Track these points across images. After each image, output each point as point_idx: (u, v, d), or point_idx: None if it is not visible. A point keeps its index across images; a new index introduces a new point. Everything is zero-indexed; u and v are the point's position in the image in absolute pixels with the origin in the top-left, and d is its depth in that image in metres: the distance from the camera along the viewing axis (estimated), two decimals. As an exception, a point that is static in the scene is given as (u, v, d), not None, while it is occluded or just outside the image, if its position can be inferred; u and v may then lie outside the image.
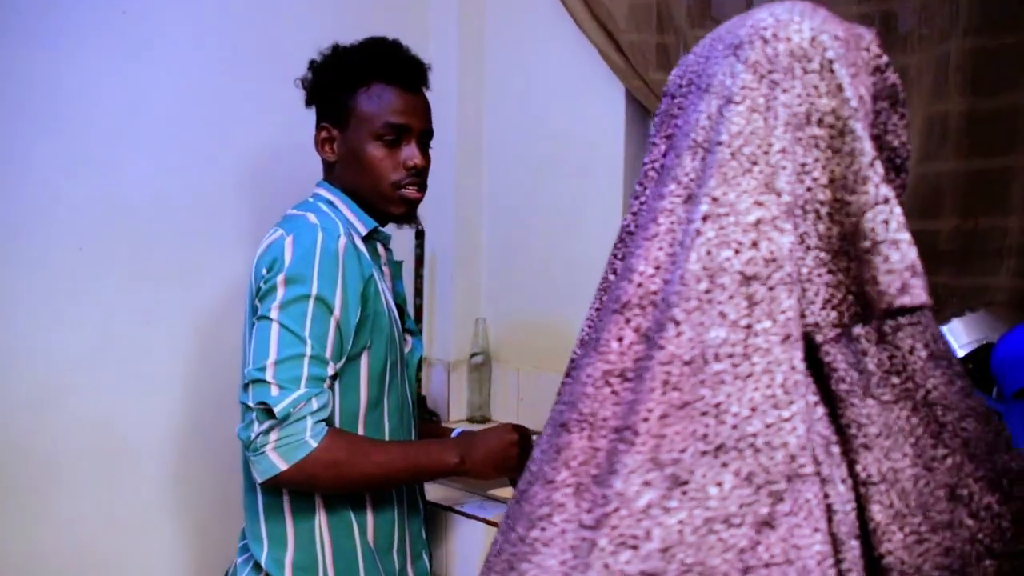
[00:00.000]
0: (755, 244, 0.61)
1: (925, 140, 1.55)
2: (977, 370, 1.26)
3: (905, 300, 0.60)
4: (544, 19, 2.27)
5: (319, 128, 1.50)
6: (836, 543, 0.59)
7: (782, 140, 0.63)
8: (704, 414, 0.58)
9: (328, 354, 1.31)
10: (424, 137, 1.51)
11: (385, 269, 1.52)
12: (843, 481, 0.60)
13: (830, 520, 0.59)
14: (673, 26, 1.99)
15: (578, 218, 2.24)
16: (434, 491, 1.77)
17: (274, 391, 1.27)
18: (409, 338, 1.57)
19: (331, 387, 1.34)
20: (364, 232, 1.46)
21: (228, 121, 1.97)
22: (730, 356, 0.59)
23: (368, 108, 1.45)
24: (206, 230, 1.93)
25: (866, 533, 0.60)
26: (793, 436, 0.58)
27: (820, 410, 0.62)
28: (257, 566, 1.41)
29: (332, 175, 1.51)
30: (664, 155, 0.71)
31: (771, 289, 0.60)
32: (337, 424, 1.38)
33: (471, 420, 2.42)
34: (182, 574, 1.92)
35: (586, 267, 2.20)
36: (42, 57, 1.71)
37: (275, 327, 1.30)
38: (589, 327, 0.74)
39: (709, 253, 0.61)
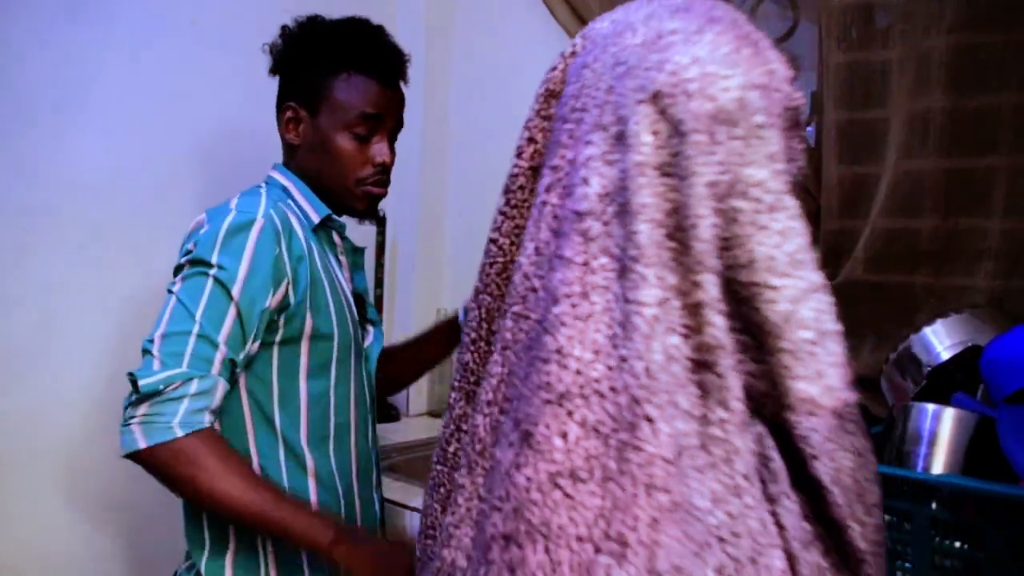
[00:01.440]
0: (699, 329, 0.57)
1: (907, 137, 1.53)
2: (961, 372, 1.25)
3: (830, 401, 0.58)
4: (514, 5, 2.22)
5: (285, 106, 1.42)
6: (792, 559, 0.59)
7: (705, 213, 0.57)
8: (689, 513, 0.55)
9: (221, 337, 1.23)
10: (394, 132, 1.45)
11: (342, 258, 1.45)
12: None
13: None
14: (648, 15, 1.94)
15: (546, 209, 2.20)
16: (396, 491, 1.72)
17: (155, 365, 1.20)
18: (370, 329, 1.51)
19: (231, 376, 1.25)
20: (316, 220, 1.40)
21: (184, 97, 1.90)
22: (687, 448, 0.56)
23: (344, 96, 1.39)
24: (157, 213, 1.85)
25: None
26: (754, 521, 0.57)
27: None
28: (199, 573, 1.34)
29: (292, 158, 1.44)
30: (547, 189, 0.66)
31: (720, 376, 0.57)
32: (277, 416, 1.32)
33: (432, 414, 2.37)
34: (131, 570, 1.85)
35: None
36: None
37: (172, 300, 1.24)
38: (475, 353, 0.71)
39: (665, 339, 0.56)
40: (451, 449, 0.71)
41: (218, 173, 1.91)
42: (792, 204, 0.59)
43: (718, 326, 0.57)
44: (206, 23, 1.93)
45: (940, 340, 1.28)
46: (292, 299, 1.30)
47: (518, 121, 2.48)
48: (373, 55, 1.41)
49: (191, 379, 1.20)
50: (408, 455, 2.01)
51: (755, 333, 0.58)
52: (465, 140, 2.35)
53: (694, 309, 0.57)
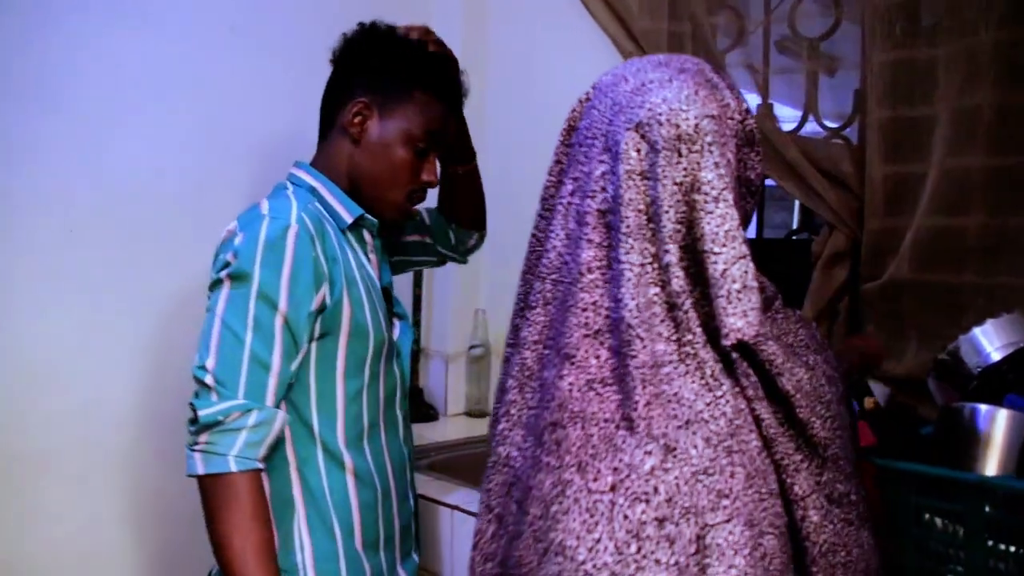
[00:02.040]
0: (668, 282, 0.81)
1: (954, 134, 1.51)
2: (1013, 373, 1.23)
3: (750, 332, 0.79)
4: (552, 5, 2.22)
5: (355, 100, 1.41)
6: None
7: (671, 203, 0.82)
8: (670, 401, 0.78)
9: (274, 356, 1.25)
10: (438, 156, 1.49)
11: (372, 256, 1.46)
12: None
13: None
14: (688, 13, 1.94)
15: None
16: (434, 488, 1.72)
17: (212, 396, 1.22)
18: (397, 323, 1.51)
19: (280, 398, 1.27)
20: (349, 220, 1.40)
21: (225, 103, 1.91)
22: (671, 361, 0.80)
23: (419, 110, 1.42)
24: (198, 215, 1.87)
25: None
26: (728, 407, 0.79)
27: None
28: None
29: (335, 155, 1.44)
30: (571, 194, 0.92)
31: (686, 312, 0.81)
32: (315, 418, 1.33)
33: (469, 414, 2.37)
34: (167, 569, 1.86)
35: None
36: (30, 32, 1.64)
37: (217, 324, 1.24)
38: (526, 307, 0.93)
39: (647, 290, 0.81)
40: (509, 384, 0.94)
41: (257, 175, 1.92)
42: (729, 197, 0.81)
43: (680, 278, 0.81)
44: (245, 29, 1.94)
45: (990, 341, 1.26)
46: (329, 300, 1.31)
47: (554, 121, 2.47)
48: (450, 83, 1.47)
49: (250, 411, 1.22)
50: (446, 454, 2.02)
51: (705, 285, 0.81)
52: (501, 139, 2.35)
53: (664, 269, 0.81)
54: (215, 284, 1.28)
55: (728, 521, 0.74)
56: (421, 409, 2.30)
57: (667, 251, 0.81)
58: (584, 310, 0.83)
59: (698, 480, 0.74)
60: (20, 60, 1.63)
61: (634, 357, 0.79)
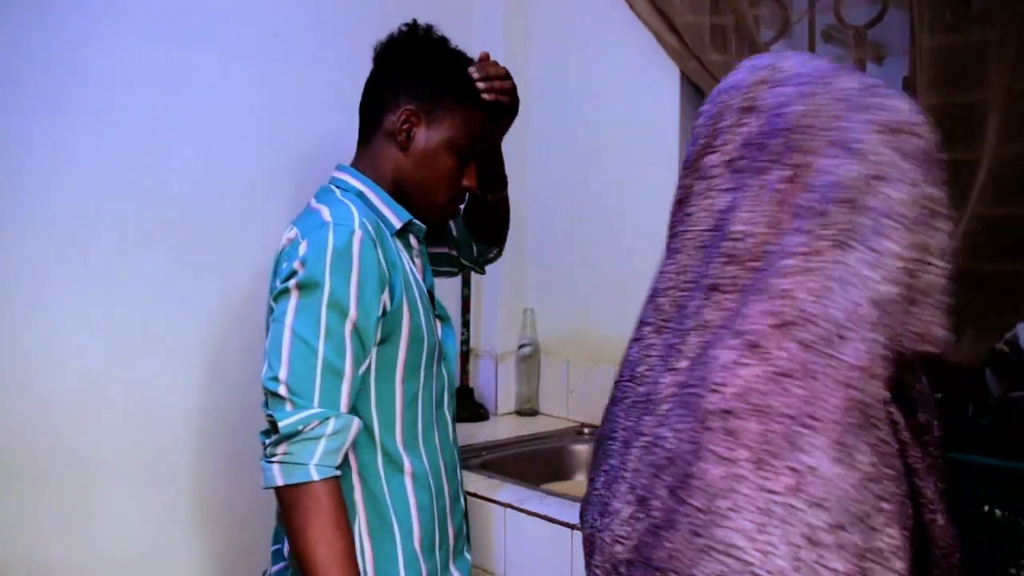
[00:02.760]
0: (878, 288, 0.77)
1: (1005, 119, 1.48)
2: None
3: (948, 346, 0.79)
4: (593, 2, 2.21)
5: (402, 108, 1.42)
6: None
7: (912, 213, 0.79)
8: (865, 406, 0.75)
9: (347, 362, 1.26)
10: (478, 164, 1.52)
11: (417, 261, 1.47)
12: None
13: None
14: (731, 6, 1.92)
15: (628, 205, 2.18)
16: (485, 487, 1.73)
17: (287, 406, 1.23)
18: (438, 324, 1.51)
19: (353, 404, 1.28)
20: (398, 226, 1.41)
21: (273, 109, 1.94)
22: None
23: (465, 122, 1.43)
24: (249, 222, 1.89)
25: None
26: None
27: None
28: None
29: (380, 159, 1.44)
30: (786, 181, 0.82)
31: (890, 317, 0.78)
32: (376, 422, 1.34)
33: (519, 413, 2.37)
34: (220, 571, 1.89)
35: (637, 254, 2.15)
36: (82, 44, 1.68)
37: (288, 335, 1.25)
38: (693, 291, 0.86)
39: (858, 292, 0.76)
40: (641, 369, 0.89)
41: (304, 180, 1.93)
42: (948, 212, 0.80)
43: (892, 285, 0.77)
44: (289, 36, 1.96)
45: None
46: (390, 305, 1.32)
47: (597, 118, 2.50)
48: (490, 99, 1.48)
49: (328, 419, 1.23)
50: (496, 453, 2.02)
51: (912, 297, 0.78)
52: (546, 139, 2.35)
53: (902, 271, 0.77)
54: (282, 293, 1.28)
55: (888, 526, 0.73)
56: (472, 409, 2.31)
57: (891, 257, 0.78)
58: (779, 299, 0.79)
59: (865, 486, 0.73)
60: (73, 75, 1.67)
61: (836, 358, 0.76)
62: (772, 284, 0.78)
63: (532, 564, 1.61)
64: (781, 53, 0.90)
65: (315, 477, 1.22)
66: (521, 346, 2.36)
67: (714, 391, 0.79)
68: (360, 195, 1.41)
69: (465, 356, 2.34)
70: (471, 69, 1.46)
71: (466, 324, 2.33)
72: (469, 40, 2.21)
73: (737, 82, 0.86)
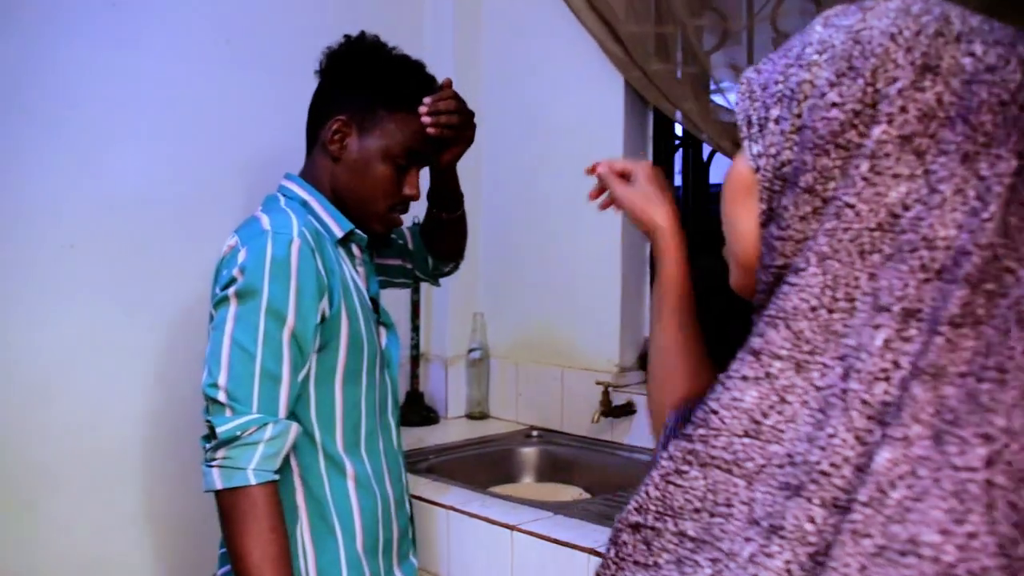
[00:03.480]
0: None
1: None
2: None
3: None
4: (541, 10, 2.25)
5: (333, 118, 1.43)
6: None
7: None
8: None
9: (283, 369, 1.28)
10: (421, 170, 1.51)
11: (360, 269, 1.49)
12: None
13: None
14: (672, 17, 1.96)
15: (576, 209, 2.21)
16: (430, 490, 1.75)
17: (226, 412, 1.25)
18: (383, 331, 1.53)
19: (292, 409, 1.30)
20: (340, 235, 1.43)
21: (219, 115, 1.94)
22: None
23: (398, 129, 1.43)
24: (196, 227, 1.90)
25: None
26: None
27: None
28: None
29: (318, 169, 1.46)
30: (1018, 174, 0.58)
31: None
32: (316, 428, 1.36)
33: (470, 416, 2.39)
34: (173, 576, 1.90)
35: (585, 259, 2.19)
36: (28, 49, 1.67)
37: (227, 342, 1.27)
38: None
39: None
40: (768, 422, 0.63)
41: (253, 186, 1.94)
42: None
43: None
44: (239, 42, 1.97)
45: None
46: (329, 312, 1.34)
47: (547, 125, 2.52)
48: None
49: (266, 424, 1.25)
50: (444, 456, 2.04)
51: None
52: (497, 145, 2.37)
53: None
54: (221, 301, 1.30)
55: None
56: (422, 413, 2.33)
57: None
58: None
59: None
60: (19, 80, 1.66)
61: None
62: None
63: (475, 566, 1.63)
64: None
65: (253, 481, 1.24)
66: (471, 350, 2.38)
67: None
68: (304, 204, 1.43)
69: (415, 360, 2.36)
70: (426, 100, 1.44)
71: (416, 329, 2.35)
72: (420, 49, 2.22)
73: (890, 29, 0.61)
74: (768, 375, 0.62)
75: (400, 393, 1.57)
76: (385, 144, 1.43)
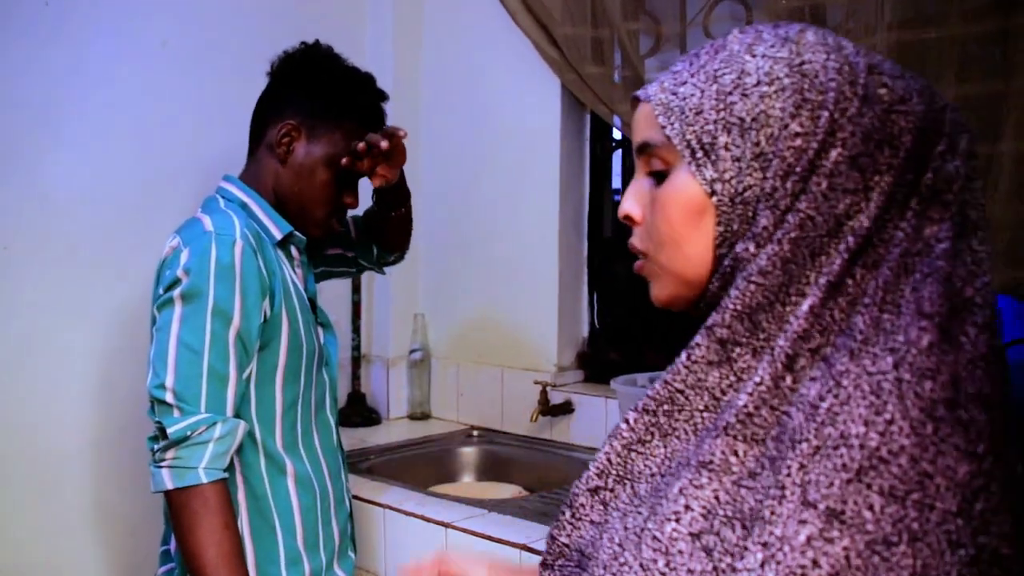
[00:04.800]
0: None
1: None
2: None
3: None
4: (481, 12, 2.27)
5: (282, 123, 1.45)
6: None
7: None
8: None
9: (231, 367, 1.29)
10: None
11: (298, 271, 1.50)
12: None
13: None
14: (607, 20, 1.99)
15: (515, 211, 2.24)
16: (369, 489, 1.76)
17: (175, 412, 1.26)
18: (321, 331, 1.54)
19: (236, 408, 1.32)
20: (279, 237, 1.44)
21: (160, 116, 1.93)
22: None
23: (343, 138, 1.45)
24: (134, 227, 1.88)
25: None
26: None
27: None
28: None
29: (262, 171, 1.47)
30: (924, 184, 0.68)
31: None
32: (257, 427, 1.37)
33: (411, 417, 2.40)
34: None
35: (525, 259, 2.22)
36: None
37: (173, 342, 1.28)
38: None
39: None
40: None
41: (192, 188, 1.92)
42: None
43: None
44: (177, 45, 1.96)
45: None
46: (270, 312, 1.36)
47: (486, 127, 2.54)
48: (377, 118, 1.50)
49: (215, 423, 1.27)
50: (385, 456, 2.05)
51: None
52: (436, 146, 2.39)
53: None
54: (166, 303, 1.30)
55: None
56: (364, 414, 2.34)
57: None
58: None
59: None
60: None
61: None
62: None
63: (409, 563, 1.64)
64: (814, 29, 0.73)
65: (204, 480, 1.26)
66: (412, 351, 2.39)
67: None
68: (243, 206, 1.44)
69: (356, 361, 2.36)
70: (370, 137, 1.43)
71: (357, 330, 2.35)
72: (361, 53, 2.23)
73: (833, 64, 0.68)
74: (729, 359, 0.70)
75: (342, 394, 1.58)
76: (330, 152, 1.45)
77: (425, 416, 2.40)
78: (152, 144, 1.92)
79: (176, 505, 1.27)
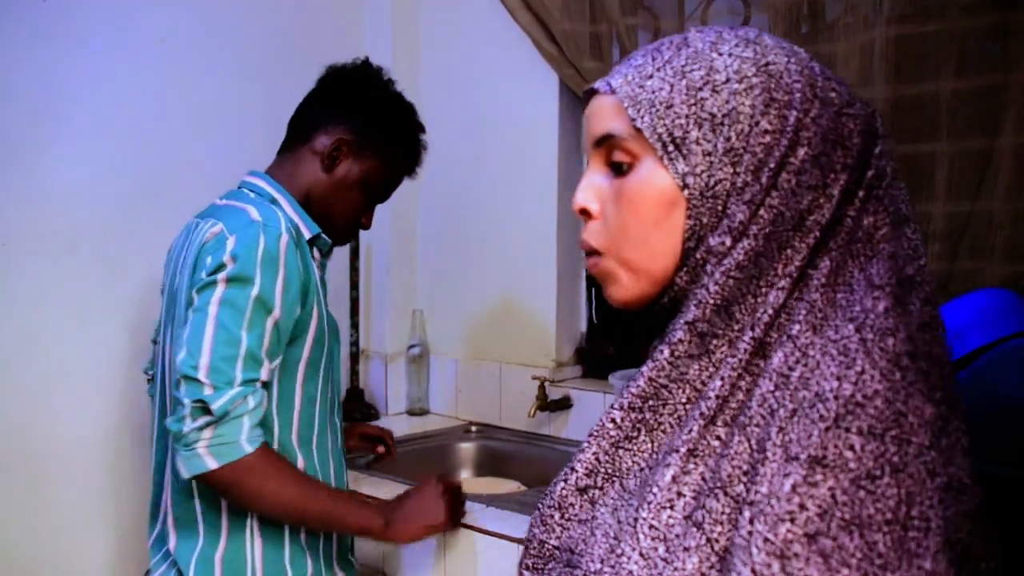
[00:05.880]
0: None
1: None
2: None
3: None
4: (479, 8, 2.27)
5: (338, 135, 1.49)
6: None
7: None
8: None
9: (263, 352, 1.30)
10: None
11: (317, 271, 1.51)
12: None
13: None
14: (606, 15, 1.99)
15: (513, 207, 2.24)
16: (368, 485, 1.75)
17: (207, 390, 1.25)
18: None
19: (266, 387, 1.32)
20: (309, 236, 1.46)
21: (154, 111, 1.93)
22: None
23: (386, 170, 1.54)
24: (132, 223, 1.88)
25: None
26: None
27: None
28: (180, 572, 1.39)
29: (300, 172, 1.50)
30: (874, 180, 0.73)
31: None
32: (275, 420, 1.38)
33: (410, 412, 2.40)
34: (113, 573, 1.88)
35: (522, 255, 2.21)
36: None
37: (211, 324, 1.28)
38: None
39: None
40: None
41: (190, 185, 1.92)
42: None
43: None
44: (174, 41, 1.96)
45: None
46: (303, 307, 1.38)
47: (484, 123, 2.53)
48: (417, 153, 1.61)
49: (247, 396, 1.27)
50: (384, 452, 2.04)
51: None
52: (435, 143, 2.37)
53: None
54: (208, 286, 1.31)
55: None
56: (362, 410, 2.34)
57: None
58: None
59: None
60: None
61: None
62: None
63: (408, 557, 1.65)
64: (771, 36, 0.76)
65: (248, 449, 1.27)
66: (411, 347, 2.39)
67: None
68: (273, 201, 1.46)
69: (355, 358, 2.36)
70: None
71: (355, 326, 2.35)
72: (359, 49, 2.22)
73: (795, 67, 0.71)
74: (708, 351, 0.72)
75: (341, 390, 1.58)
76: (370, 176, 1.51)
77: (423, 412, 2.40)
78: (150, 140, 1.92)
79: (227, 481, 1.27)
